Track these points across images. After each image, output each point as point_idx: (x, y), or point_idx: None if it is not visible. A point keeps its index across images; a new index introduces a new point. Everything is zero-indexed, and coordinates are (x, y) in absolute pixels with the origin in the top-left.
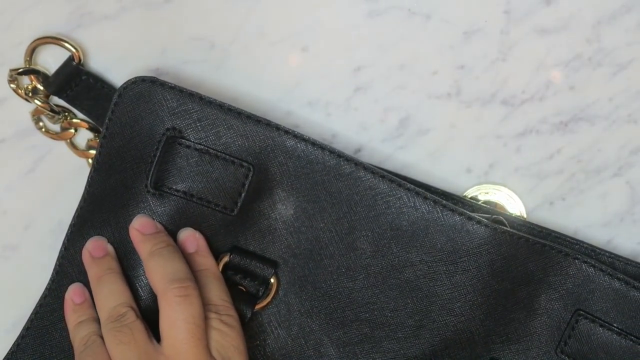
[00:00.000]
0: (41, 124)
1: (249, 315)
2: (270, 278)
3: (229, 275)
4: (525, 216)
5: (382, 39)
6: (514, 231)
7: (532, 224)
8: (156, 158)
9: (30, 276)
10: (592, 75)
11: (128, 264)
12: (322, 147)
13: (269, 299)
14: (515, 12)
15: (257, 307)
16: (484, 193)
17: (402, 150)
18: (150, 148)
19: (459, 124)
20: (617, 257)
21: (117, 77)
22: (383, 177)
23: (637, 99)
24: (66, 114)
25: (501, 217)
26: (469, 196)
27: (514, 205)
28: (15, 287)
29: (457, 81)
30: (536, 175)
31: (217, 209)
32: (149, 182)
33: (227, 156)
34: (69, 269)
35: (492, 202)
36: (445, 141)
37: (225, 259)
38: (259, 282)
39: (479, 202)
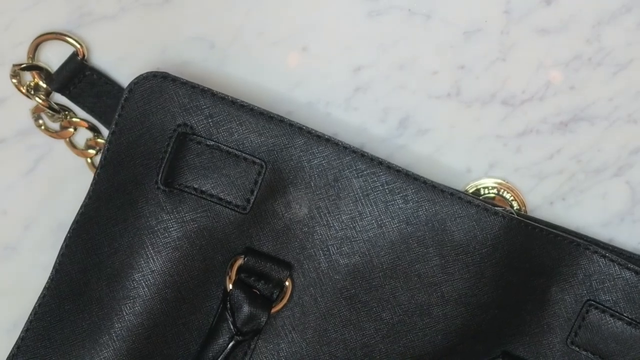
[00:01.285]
0: (41, 122)
1: (265, 320)
2: (285, 281)
3: (242, 277)
4: (527, 211)
5: (382, 39)
6: (529, 221)
7: (536, 218)
8: (167, 154)
9: (30, 276)
10: (592, 75)
11: (134, 262)
12: (336, 143)
13: (284, 301)
14: (515, 12)
15: (273, 310)
16: (483, 188)
17: (402, 150)
18: (161, 144)
19: (459, 124)
20: (620, 251)
21: (117, 77)
22: (399, 171)
23: (637, 99)
24: (66, 112)
25: (510, 209)
26: (470, 191)
27: (515, 199)
28: (15, 287)
29: (457, 81)
30: (536, 175)
31: (229, 207)
32: (159, 178)
33: (240, 153)
34: (69, 267)
35: (493, 197)
36: (445, 141)
37: (240, 261)
38: (273, 285)
39: (480, 197)
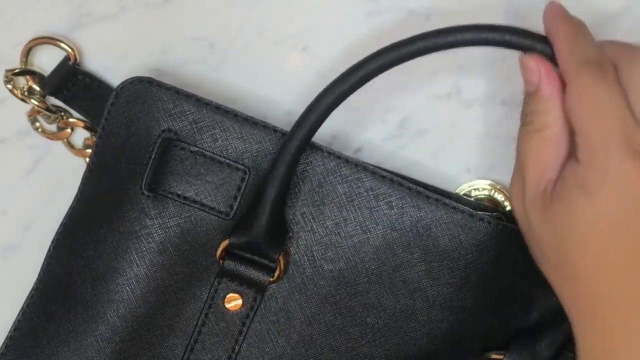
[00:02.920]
0: (37, 124)
1: (267, 280)
2: (277, 256)
3: (234, 252)
4: None
5: (382, 39)
6: (515, 226)
7: None
8: (151, 160)
9: (30, 276)
10: None
11: (118, 267)
12: (320, 148)
13: (279, 272)
14: (515, 12)
15: (273, 279)
16: (474, 189)
17: (402, 150)
18: (145, 149)
19: (459, 124)
20: None
21: (117, 77)
22: (384, 177)
23: None
24: (62, 113)
25: (499, 214)
26: (462, 193)
27: (507, 200)
28: (15, 287)
29: (457, 81)
30: None
31: (212, 213)
32: (143, 184)
33: (223, 159)
34: (55, 268)
35: (484, 198)
36: (445, 141)
37: (226, 243)
38: (268, 261)
39: (471, 199)
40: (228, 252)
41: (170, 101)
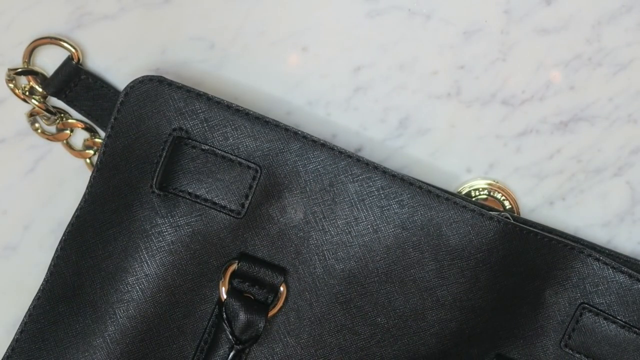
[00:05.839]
0: (37, 125)
1: (262, 325)
2: (279, 286)
3: (236, 283)
4: (519, 209)
5: (382, 39)
6: (523, 225)
7: (529, 220)
8: (162, 158)
9: (30, 276)
10: (592, 75)
11: (128, 266)
12: (332, 147)
13: (279, 306)
14: (515, 12)
15: (269, 315)
16: (474, 189)
17: (402, 150)
18: (156, 148)
19: (459, 124)
20: (617, 255)
21: (117, 77)
22: (394, 176)
23: (637, 99)
24: (61, 115)
25: (507, 213)
26: (463, 193)
27: (506, 199)
28: (15, 287)
29: (457, 81)
30: (536, 175)
31: (223, 211)
32: (154, 182)
33: (234, 157)
34: (63, 269)
35: (484, 198)
36: (445, 141)
37: (233, 266)
38: (267, 290)
39: (472, 199)
40: (240, 256)
41: (181, 100)
